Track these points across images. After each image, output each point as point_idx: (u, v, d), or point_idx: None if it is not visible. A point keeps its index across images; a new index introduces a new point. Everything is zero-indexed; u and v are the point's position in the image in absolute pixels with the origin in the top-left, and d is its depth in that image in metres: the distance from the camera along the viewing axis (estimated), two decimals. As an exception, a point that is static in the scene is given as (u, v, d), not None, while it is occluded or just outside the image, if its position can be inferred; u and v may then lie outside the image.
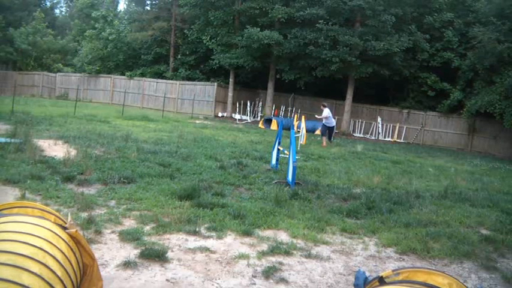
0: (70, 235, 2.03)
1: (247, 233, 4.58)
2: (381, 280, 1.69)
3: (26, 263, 1.69)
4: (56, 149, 8.45)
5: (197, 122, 21.07)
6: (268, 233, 4.72)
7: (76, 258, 2.02)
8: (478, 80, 23.25)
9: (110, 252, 3.81)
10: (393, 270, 1.75)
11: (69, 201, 5.07)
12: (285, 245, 4.34)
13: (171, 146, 10.32)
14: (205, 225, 4.71)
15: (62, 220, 2.13)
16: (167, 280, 3.39)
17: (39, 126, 11.83)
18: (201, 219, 4.86)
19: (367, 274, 2.25)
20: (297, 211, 5.58)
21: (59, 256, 1.83)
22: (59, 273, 1.77)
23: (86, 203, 4.94)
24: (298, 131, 14.99)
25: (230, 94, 27.58)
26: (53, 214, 2.13)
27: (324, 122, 16.01)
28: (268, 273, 3.66)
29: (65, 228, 2.04)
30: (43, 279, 1.68)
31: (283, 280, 3.59)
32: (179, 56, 30.67)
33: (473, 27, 23.69)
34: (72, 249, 2.00)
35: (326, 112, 15.85)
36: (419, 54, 25.11)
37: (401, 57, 23.95)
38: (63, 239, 1.96)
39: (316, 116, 16.43)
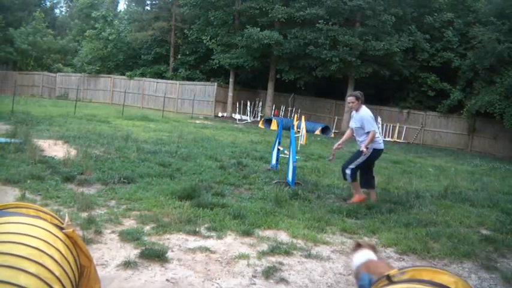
0: (67, 235, 2.02)
1: (247, 233, 4.57)
2: (389, 279, 1.70)
3: (23, 263, 1.68)
4: (56, 149, 8.44)
5: (197, 122, 21.06)
6: (268, 233, 4.72)
7: (74, 258, 2.01)
8: (478, 80, 23.27)
9: (110, 252, 3.81)
10: (399, 269, 1.76)
11: (69, 201, 5.06)
12: (285, 245, 4.34)
13: (171, 146, 10.32)
14: (205, 225, 4.71)
15: (58, 220, 2.12)
16: (167, 280, 3.39)
17: (39, 126, 11.82)
18: (201, 219, 4.86)
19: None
20: (297, 211, 5.57)
21: (56, 256, 1.83)
22: (57, 273, 1.76)
23: (86, 203, 4.93)
24: (298, 131, 14.98)
25: (230, 94, 27.58)
26: (49, 214, 2.12)
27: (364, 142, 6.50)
28: (268, 273, 3.65)
29: (61, 228, 2.03)
30: (41, 279, 1.67)
31: (283, 280, 3.59)
32: (179, 56, 30.69)
33: (473, 27, 23.72)
34: (69, 249, 1.99)
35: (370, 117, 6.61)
36: (419, 54, 25.12)
37: (401, 57, 23.96)
38: (60, 239, 1.95)
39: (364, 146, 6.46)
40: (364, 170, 6.61)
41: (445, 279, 1.63)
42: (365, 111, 6.56)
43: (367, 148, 6.35)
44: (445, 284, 1.60)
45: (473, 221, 5.91)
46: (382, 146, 6.67)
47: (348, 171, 6.46)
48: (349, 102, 6.81)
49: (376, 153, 6.59)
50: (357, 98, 6.64)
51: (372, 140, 6.40)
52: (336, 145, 6.85)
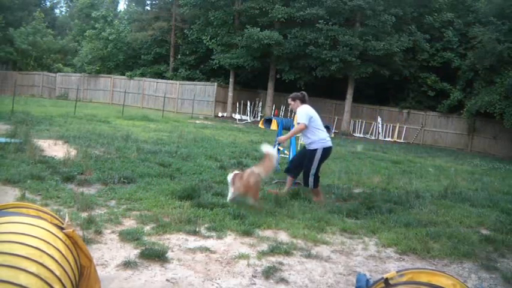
0: (67, 235, 2.02)
1: (247, 233, 4.57)
2: (386, 282, 1.70)
3: (23, 263, 1.69)
4: (56, 149, 8.44)
5: (197, 122, 21.06)
6: (268, 233, 4.72)
7: (74, 258, 2.01)
8: (478, 80, 23.27)
9: (110, 252, 3.81)
10: (397, 272, 1.75)
11: (69, 201, 5.06)
12: (285, 245, 4.34)
13: (171, 146, 10.31)
14: (205, 225, 4.71)
15: (59, 220, 2.12)
16: (167, 280, 3.39)
17: (39, 126, 11.81)
18: (201, 219, 4.85)
19: (368, 276, 2.25)
20: (297, 211, 5.57)
21: (56, 255, 1.83)
22: (57, 273, 1.76)
23: (86, 203, 4.93)
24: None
25: (230, 94, 27.59)
26: (49, 214, 2.12)
27: (305, 139, 6.65)
28: (268, 273, 3.65)
29: (61, 228, 2.03)
30: (41, 278, 1.68)
31: (283, 280, 3.59)
32: (179, 56, 30.69)
33: (473, 27, 23.72)
34: (69, 249, 1.99)
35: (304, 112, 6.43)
36: (419, 54, 25.13)
37: (401, 57, 23.97)
38: (60, 239, 1.96)
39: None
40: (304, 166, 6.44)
41: (443, 281, 1.64)
42: (302, 108, 6.45)
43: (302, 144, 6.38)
44: (444, 287, 1.61)
45: (473, 221, 5.91)
46: (330, 143, 6.46)
47: (311, 179, 6.28)
48: (288, 104, 6.76)
49: (326, 152, 6.38)
50: (293, 99, 6.62)
51: (295, 132, 6.44)
52: (283, 137, 6.79)
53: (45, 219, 2.03)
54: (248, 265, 3.80)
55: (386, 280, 1.71)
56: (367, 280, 1.94)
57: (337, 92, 26.96)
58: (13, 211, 2.03)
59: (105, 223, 4.47)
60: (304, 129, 6.30)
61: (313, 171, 6.29)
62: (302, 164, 6.46)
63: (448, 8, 26.15)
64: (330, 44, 23.46)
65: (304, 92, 6.70)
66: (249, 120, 26.49)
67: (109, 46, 32.69)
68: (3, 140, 8.13)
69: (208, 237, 4.40)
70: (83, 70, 33.45)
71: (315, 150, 6.29)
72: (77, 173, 6.41)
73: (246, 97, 28.24)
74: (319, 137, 6.32)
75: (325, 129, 6.54)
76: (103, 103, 30.60)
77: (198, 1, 25.87)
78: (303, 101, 6.56)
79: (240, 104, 27.34)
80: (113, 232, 4.28)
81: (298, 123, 6.30)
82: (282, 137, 6.52)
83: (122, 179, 6.33)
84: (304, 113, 6.34)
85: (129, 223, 4.61)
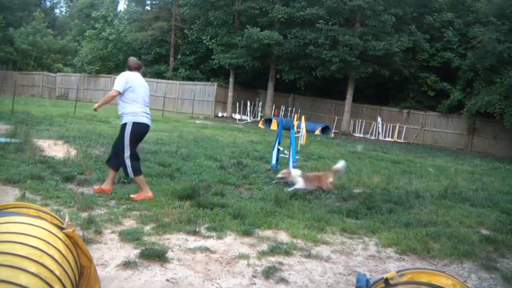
0: (67, 235, 2.02)
1: (247, 233, 4.57)
2: (386, 282, 1.70)
3: (23, 263, 1.69)
4: (56, 149, 8.44)
5: (197, 122, 21.06)
6: (268, 233, 4.72)
7: (74, 258, 2.01)
8: (478, 80, 23.28)
9: (110, 252, 3.81)
10: (397, 272, 1.75)
11: (69, 201, 5.06)
12: (285, 245, 4.34)
13: (171, 146, 10.32)
14: (205, 225, 4.71)
15: (59, 220, 2.12)
16: (167, 280, 3.39)
17: (39, 126, 11.82)
18: (201, 219, 4.86)
19: (368, 276, 2.25)
20: (297, 211, 5.58)
21: (56, 255, 1.83)
22: (57, 273, 1.77)
23: (86, 203, 4.93)
24: (298, 131, 14.98)
25: (230, 94, 27.60)
26: (49, 214, 2.12)
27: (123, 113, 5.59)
28: (268, 273, 3.65)
29: (61, 228, 2.04)
30: (41, 278, 1.68)
31: (283, 280, 3.59)
32: (179, 56, 30.70)
33: (473, 27, 23.73)
34: (69, 249, 1.99)
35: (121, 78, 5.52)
36: (419, 54, 25.14)
37: (401, 57, 23.97)
38: (60, 239, 1.96)
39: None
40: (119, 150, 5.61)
41: (443, 281, 1.64)
42: (123, 73, 5.53)
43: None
44: (444, 286, 1.61)
45: (473, 221, 5.91)
46: (144, 120, 5.54)
47: (127, 163, 5.48)
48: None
49: (137, 128, 5.51)
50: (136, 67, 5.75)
51: (107, 99, 5.50)
52: (96, 105, 5.75)
53: (45, 219, 2.03)
54: (248, 265, 3.80)
55: (386, 280, 1.71)
56: (367, 280, 1.94)
57: (337, 92, 26.97)
58: (13, 211, 2.03)
59: (105, 223, 4.47)
60: (117, 95, 5.41)
61: (127, 152, 5.49)
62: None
63: (448, 8, 26.15)
64: (330, 44, 23.46)
65: (137, 61, 5.82)
66: (249, 120, 26.50)
67: (109, 46, 32.71)
68: (3, 140, 8.13)
69: (208, 237, 4.40)
70: (83, 70, 33.45)
71: (125, 124, 5.48)
72: (77, 173, 6.41)
73: (246, 97, 28.25)
74: (131, 110, 5.43)
75: (145, 104, 5.55)
76: (103, 103, 30.56)
77: (198, 1, 25.88)
78: (130, 68, 5.63)
79: (240, 104, 27.34)
80: (113, 232, 4.28)
81: (125, 104, 5.44)
82: (96, 105, 5.63)
83: (121, 179, 6.33)
84: (121, 78, 5.42)
85: (129, 223, 4.61)
